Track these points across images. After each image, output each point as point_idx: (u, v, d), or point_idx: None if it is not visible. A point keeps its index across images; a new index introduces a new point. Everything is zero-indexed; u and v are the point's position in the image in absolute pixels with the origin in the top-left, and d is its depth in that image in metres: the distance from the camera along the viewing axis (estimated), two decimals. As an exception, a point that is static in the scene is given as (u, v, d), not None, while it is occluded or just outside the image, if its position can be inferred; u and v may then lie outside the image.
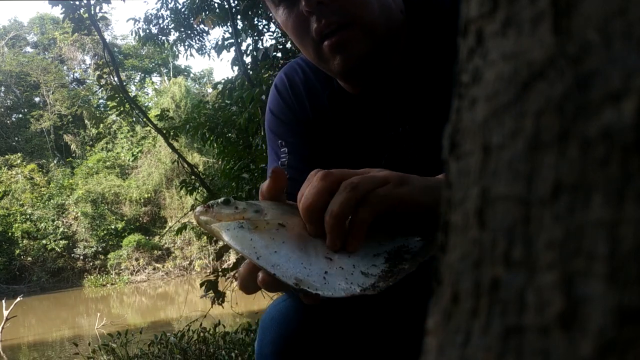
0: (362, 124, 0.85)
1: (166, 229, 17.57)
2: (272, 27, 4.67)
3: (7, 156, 22.00)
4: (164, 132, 5.12)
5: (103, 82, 5.12)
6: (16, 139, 24.11)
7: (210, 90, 19.70)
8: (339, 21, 0.71)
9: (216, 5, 5.45)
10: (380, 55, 0.76)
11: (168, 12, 6.76)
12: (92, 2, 4.88)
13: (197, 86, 25.57)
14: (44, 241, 19.29)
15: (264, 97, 3.22)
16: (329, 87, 0.86)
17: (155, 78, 26.97)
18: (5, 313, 9.43)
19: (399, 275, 0.53)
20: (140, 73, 26.59)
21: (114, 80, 5.15)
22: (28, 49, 26.49)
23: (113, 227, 19.93)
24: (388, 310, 0.73)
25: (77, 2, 4.98)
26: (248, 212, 0.51)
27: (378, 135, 0.83)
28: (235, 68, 4.52)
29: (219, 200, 0.52)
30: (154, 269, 19.15)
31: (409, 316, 0.73)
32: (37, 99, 25.08)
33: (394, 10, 0.76)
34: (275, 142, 0.89)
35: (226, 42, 5.22)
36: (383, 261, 0.54)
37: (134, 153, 21.61)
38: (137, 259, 19.15)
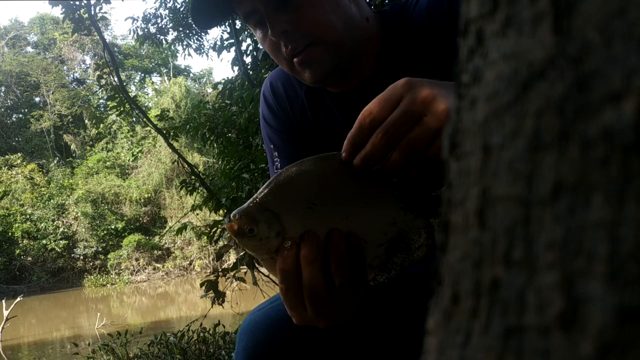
0: (344, 122, 0.88)
1: (166, 229, 17.58)
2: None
3: (7, 156, 22.00)
4: (164, 132, 5.11)
5: (103, 82, 5.11)
6: (16, 139, 24.11)
7: (210, 90, 19.72)
8: (304, 42, 0.79)
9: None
10: (348, 64, 0.83)
11: (167, 12, 6.77)
12: (92, 2, 4.87)
13: (197, 86, 25.57)
14: (44, 241, 19.29)
15: (264, 97, 3.21)
16: (305, 85, 0.91)
17: (155, 78, 27.00)
18: (5, 313, 9.43)
19: (394, 269, 0.54)
20: (140, 73, 26.60)
21: (114, 81, 5.15)
22: (28, 49, 26.50)
23: (113, 227, 19.93)
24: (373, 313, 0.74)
25: (77, 2, 4.98)
26: (271, 240, 0.52)
27: None
28: (235, 68, 4.52)
29: (245, 229, 0.52)
30: (154, 269, 19.15)
31: (402, 319, 0.74)
32: (37, 99, 25.09)
33: (357, 19, 0.82)
34: (269, 145, 0.97)
35: (226, 42, 5.22)
36: (384, 252, 0.54)
37: (134, 153, 21.62)
38: (137, 259, 19.15)
